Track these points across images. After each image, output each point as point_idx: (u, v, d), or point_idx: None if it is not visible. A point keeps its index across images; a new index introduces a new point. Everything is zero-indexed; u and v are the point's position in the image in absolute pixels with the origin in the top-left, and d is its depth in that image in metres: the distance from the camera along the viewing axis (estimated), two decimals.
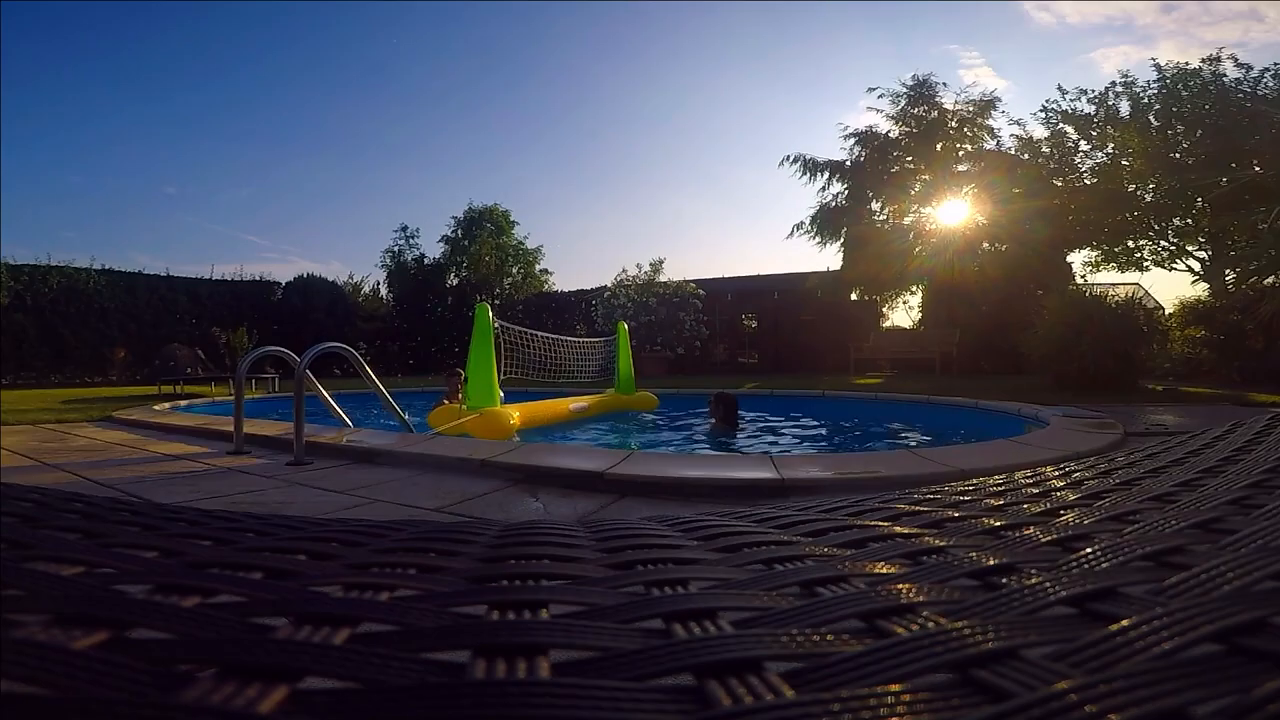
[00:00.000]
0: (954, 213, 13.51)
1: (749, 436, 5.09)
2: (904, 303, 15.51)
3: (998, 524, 0.44)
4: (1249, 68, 12.00)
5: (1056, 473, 0.68)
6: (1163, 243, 13.55)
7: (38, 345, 13.25)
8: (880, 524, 0.46)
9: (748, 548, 0.41)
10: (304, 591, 0.30)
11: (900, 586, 0.29)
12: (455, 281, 19.62)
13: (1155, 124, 12.52)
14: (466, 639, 0.24)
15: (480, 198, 21.63)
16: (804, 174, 14.68)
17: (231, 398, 4.53)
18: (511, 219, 20.85)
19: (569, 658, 0.22)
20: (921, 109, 13.76)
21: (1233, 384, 8.09)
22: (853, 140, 14.32)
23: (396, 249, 19.97)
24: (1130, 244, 13.82)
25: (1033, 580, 0.29)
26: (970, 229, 13.12)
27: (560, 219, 38.03)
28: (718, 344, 15.36)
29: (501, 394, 4.75)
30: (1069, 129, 13.50)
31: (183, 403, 7.17)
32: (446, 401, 5.28)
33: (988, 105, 13.66)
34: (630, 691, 0.19)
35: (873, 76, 33.84)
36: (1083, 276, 13.92)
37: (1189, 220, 12.98)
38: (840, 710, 0.18)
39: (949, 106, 13.73)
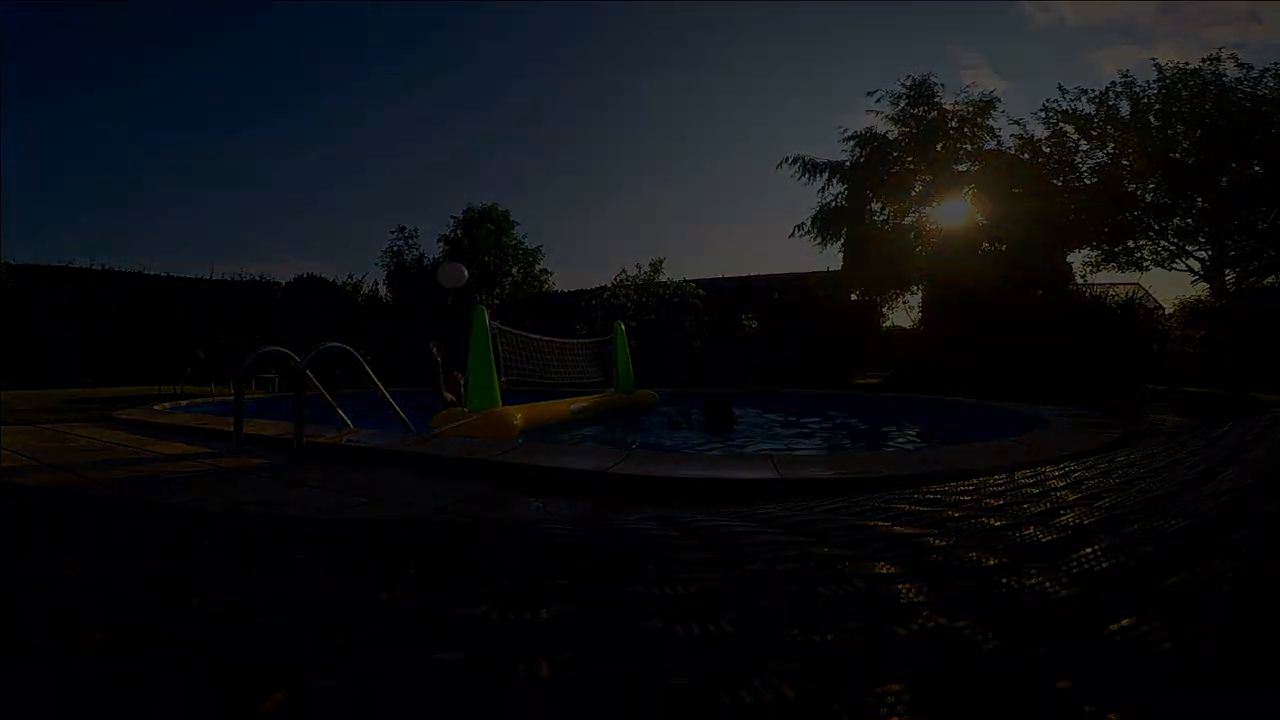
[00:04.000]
0: (954, 213, 13.50)
1: (749, 437, 5.08)
2: (904, 303, 15.50)
3: (998, 524, 0.44)
4: (1249, 67, 11.99)
5: (1057, 473, 0.68)
6: (1163, 243, 13.53)
7: (38, 345, 13.25)
8: (880, 524, 0.46)
9: (748, 548, 0.41)
10: (304, 591, 0.30)
11: (900, 586, 0.29)
12: None
13: (1155, 124, 12.50)
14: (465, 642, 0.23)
15: (480, 198, 21.59)
16: (803, 175, 14.65)
17: (231, 398, 4.53)
18: (511, 219, 20.82)
19: None
20: (921, 109, 13.73)
21: (1233, 384, 8.08)
22: (852, 141, 14.31)
23: (396, 249, 19.95)
24: (1130, 244, 13.79)
25: (1032, 580, 0.29)
26: (970, 229, 13.11)
27: (560, 219, 38.07)
28: None
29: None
30: (1069, 129, 13.48)
31: (183, 403, 7.17)
32: (447, 395, 5.29)
33: (988, 105, 13.62)
34: None
35: (872, 77, 33.95)
36: (1083, 276, 13.90)
37: (1189, 220, 12.97)
38: (840, 710, 0.18)
39: (949, 107, 13.69)
